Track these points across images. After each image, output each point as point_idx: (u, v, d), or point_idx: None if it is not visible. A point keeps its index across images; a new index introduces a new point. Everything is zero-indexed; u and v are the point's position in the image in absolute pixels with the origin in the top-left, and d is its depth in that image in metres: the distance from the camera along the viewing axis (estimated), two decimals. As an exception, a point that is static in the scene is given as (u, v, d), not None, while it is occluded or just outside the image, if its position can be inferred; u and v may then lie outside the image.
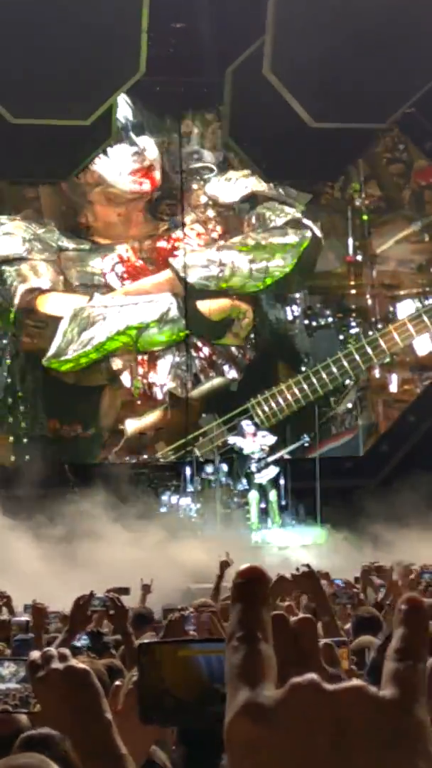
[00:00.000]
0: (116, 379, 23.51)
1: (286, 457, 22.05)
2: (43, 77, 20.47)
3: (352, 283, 24.94)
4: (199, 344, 23.86)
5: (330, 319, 24.67)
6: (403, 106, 22.49)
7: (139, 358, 23.60)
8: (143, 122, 24.00)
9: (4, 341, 23.53)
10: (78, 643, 6.20)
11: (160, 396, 23.53)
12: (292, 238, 23.89)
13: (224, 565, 11.04)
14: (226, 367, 23.91)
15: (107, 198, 24.00)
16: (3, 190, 24.06)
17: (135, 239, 24.06)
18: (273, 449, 21.42)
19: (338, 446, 24.01)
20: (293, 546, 19.19)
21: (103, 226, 24.21)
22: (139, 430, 23.25)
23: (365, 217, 24.80)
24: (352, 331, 24.51)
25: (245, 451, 21.09)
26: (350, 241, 24.94)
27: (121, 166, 23.86)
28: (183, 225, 23.71)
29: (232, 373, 23.89)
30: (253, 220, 24.31)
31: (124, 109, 23.58)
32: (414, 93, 22.25)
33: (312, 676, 0.85)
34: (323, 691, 0.85)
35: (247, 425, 21.54)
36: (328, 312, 24.72)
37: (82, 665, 2.02)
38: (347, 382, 23.72)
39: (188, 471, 21.21)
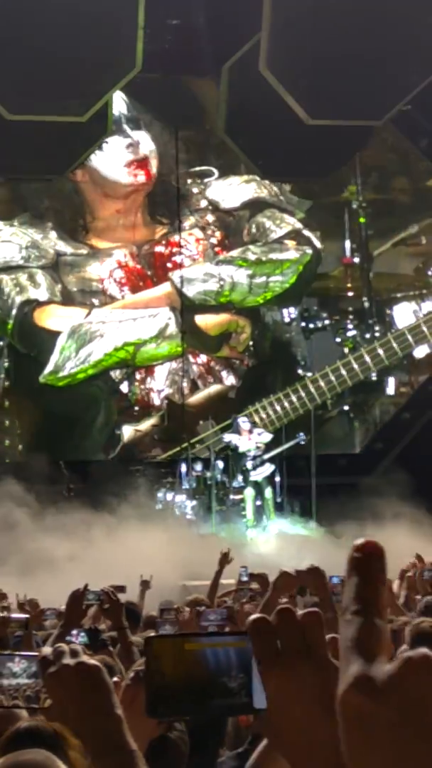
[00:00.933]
0: (116, 390, 23.41)
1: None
2: (39, 74, 20.46)
3: (349, 285, 24.89)
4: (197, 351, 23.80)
5: (327, 322, 24.62)
6: (399, 103, 22.49)
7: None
8: (138, 117, 23.97)
9: (1, 343, 23.46)
10: (76, 641, 6.19)
11: (157, 402, 23.39)
12: (292, 254, 23.79)
13: (224, 560, 11.06)
14: (224, 373, 23.82)
15: (105, 193, 23.97)
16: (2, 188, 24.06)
17: (134, 243, 23.96)
18: (268, 447, 21.44)
19: (334, 443, 24.07)
20: (288, 542, 19.19)
21: (104, 227, 24.11)
22: (136, 437, 23.13)
23: (362, 219, 24.77)
24: (349, 333, 24.46)
25: (241, 449, 21.10)
26: (347, 243, 24.91)
27: (116, 158, 23.82)
28: (180, 229, 23.57)
29: (230, 380, 23.80)
30: (254, 230, 24.20)
31: (118, 103, 23.54)
32: (410, 90, 22.24)
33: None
34: None
35: (242, 422, 21.54)
36: (324, 314, 24.66)
37: (93, 661, 2.02)
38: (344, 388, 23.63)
39: (183, 468, 21.23)
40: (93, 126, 22.10)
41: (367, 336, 24.29)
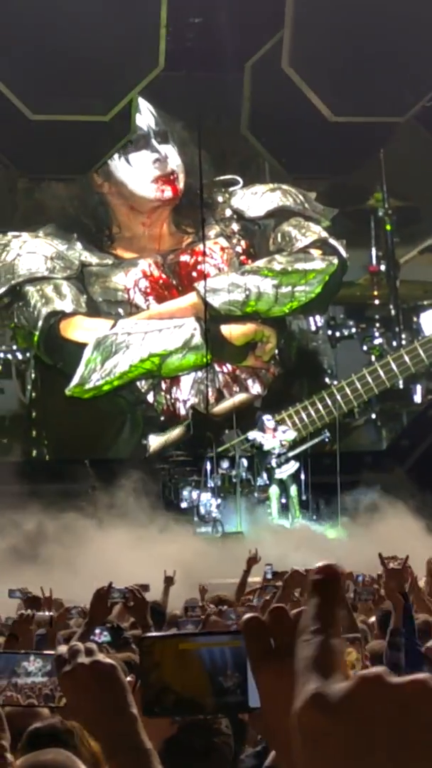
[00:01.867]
0: (142, 401, 23.37)
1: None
2: (62, 73, 20.51)
3: (376, 293, 24.77)
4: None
5: (353, 330, 24.52)
6: (423, 99, 22.43)
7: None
8: (167, 130, 23.90)
9: (27, 354, 23.52)
10: (98, 639, 6.22)
11: (183, 412, 23.28)
12: (318, 264, 23.62)
13: (251, 561, 11.06)
14: (250, 382, 23.70)
15: (131, 207, 23.96)
16: (27, 198, 24.10)
17: (158, 253, 23.91)
18: (293, 445, 21.44)
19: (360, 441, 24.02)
20: (314, 540, 19.17)
21: (129, 236, 24.08)
22: (162, 446, 23.01)
23: (388, 227, 24.66)
24: (376, 341, 24.36)
25: (265, 447, 21.11)
26: (373, 250, 24.82)
27: (143, 173, 23.75)
28: (204, 238, 23.48)
29: (256, 388, 23.66)
30: (279, 239, 24.10)
31: (147, 117, 23.51)
32: (433, 86, 22.20)
33: (379, 670, 0.87)
34: (388, 685, 0.88)
35: (267, 420, 21.54)
36: (351, 322, 24.56)
37: (108, 660, 2.03)
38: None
39: (208, 466, 21.24)
40: (116, 125, 22.14)
41: (394, 344, 24.17)
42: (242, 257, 24.17)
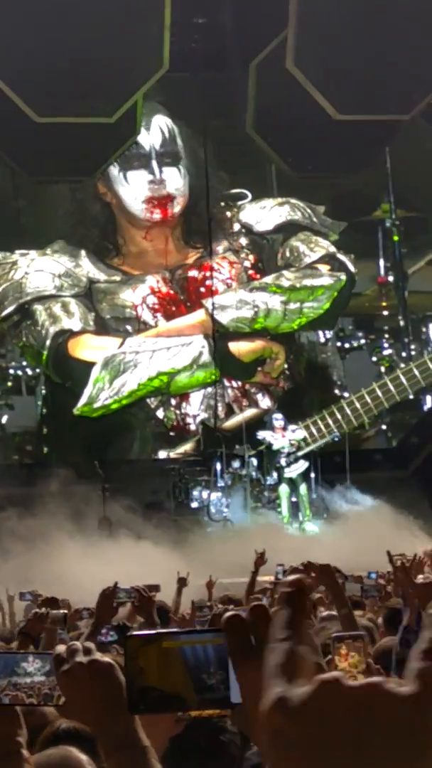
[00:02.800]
0: (152, 417, 23.33)
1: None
2: (67, 76, 20.54)
3: (384, 303, 24.72)
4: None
5: (362, 341, 24.50)
6: (427, 97, 22.42)
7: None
8: (177, 151, 23.92)
9: (37, 370, 23.54)
10: (105, 639, 6.24)
11: (193, 427, 23.22)
12: (326, 280, 23.50)
13: (259, 561, 11.08)
14: (259, 396, 23.61)
15: (128, 220, 24.03)
16: (32, 208, 24.19)
17: (166, 268, 23.88)
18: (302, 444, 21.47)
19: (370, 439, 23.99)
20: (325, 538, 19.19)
21: (136, 251, 24.10)
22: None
23: (396, 238, 24.64)
24: (386, 352, 24.34)
25: (275, 446, 21.13)
26: (381, 261, 24.80)
27: (137, 192, 23.76)
28: (212, 253, 23.45)
29: (266, 402, 23.55)
30: (287, 254, 24.06)
31: (155, 136, 23.56)
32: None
33: (337, 674, 0.93)
34: (345, 688, 0.93)
35: (276, 420, 21.56)
36: (360, 334, 24.54)
37: (106, 659, 2.05)
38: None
39: (218, 466, 21.25)
40: (122, 127, 22.17)
41: (404, 354, 24.15)
42: (250, 272, 24.10)
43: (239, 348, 23.12)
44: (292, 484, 21.01)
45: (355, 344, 24.46)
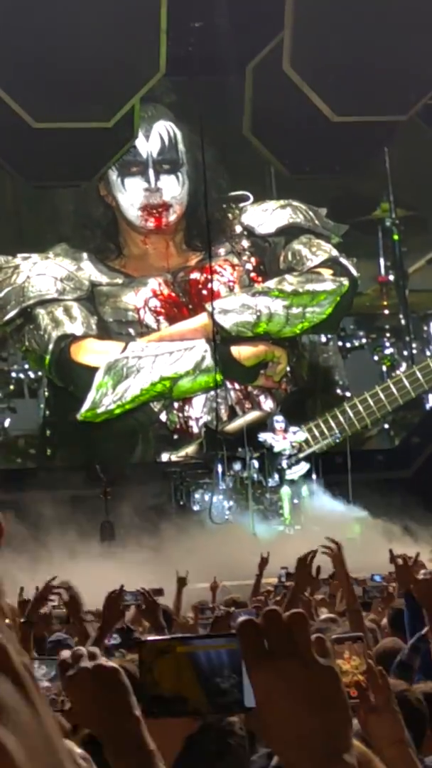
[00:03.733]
0: (155, 420, 23.32)
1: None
2: (64, 80, 20.53)
3: (385, 303, 24.72)
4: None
5: (364, 340, 24.51)
6: (424, 97, 22.42)
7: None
8: (177, 159, 23.94)
9: (39, 373, 23.54)
10: (108, 642, 6.25)
11: (196, 429, 23.19)
12: (329, 285, 23.46)
13: (262, 565, 11.09)
14: (262, 398, 23.61)
15: (127, 224, 24.04)
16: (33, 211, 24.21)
17: (168, 271, 23.89)
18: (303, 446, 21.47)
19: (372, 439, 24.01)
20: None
21: (138, 254, 24.12)
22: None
23: (396, 237, 24.64)
24: (387, 351, 24.35)
25: (276, 449, 21.14)
26: (381, 260, 24.80)
27: (133, 199, 23.83)
28: (212, 256, 23.43)
29: (268, 404, 23.53)
30: (290, 257, 24.07)
31: (154, 143, 23.58)
32: (434, 84, 22.19)
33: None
34: None
35: (277, 422, 21.57)
36: (361, 333, 24.56)
37: (111, 664, 2.06)
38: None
39: (220, 468, 21.27)
40: (119, 131, 22.17)
41: (405, 353, 24.17)
42: (252, 274, 24.12)
43: (241, 352, 23.12)
44: (294, 485, 21.02)
45: (357, 344, 24.48)
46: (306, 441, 21.86)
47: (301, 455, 21.29)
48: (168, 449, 23.08)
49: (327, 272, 23.77)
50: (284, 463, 21.10)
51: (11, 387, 23.72)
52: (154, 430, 23.28)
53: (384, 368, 24.16)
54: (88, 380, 22.51)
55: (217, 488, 21.06)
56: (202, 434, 22.80)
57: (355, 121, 21.85)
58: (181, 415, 23.25)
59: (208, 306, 23.02)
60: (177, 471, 21.78)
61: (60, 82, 20.52)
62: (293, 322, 23.28)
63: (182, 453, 22.84)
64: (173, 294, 23.75)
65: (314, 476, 21.19)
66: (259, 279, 24.02)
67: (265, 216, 24.37)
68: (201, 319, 23.17)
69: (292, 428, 21.65)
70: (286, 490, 20.93)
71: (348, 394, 23.46)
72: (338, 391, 24.02)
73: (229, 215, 24.37)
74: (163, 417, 23.25)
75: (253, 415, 22.98)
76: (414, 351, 24.24)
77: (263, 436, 21.37)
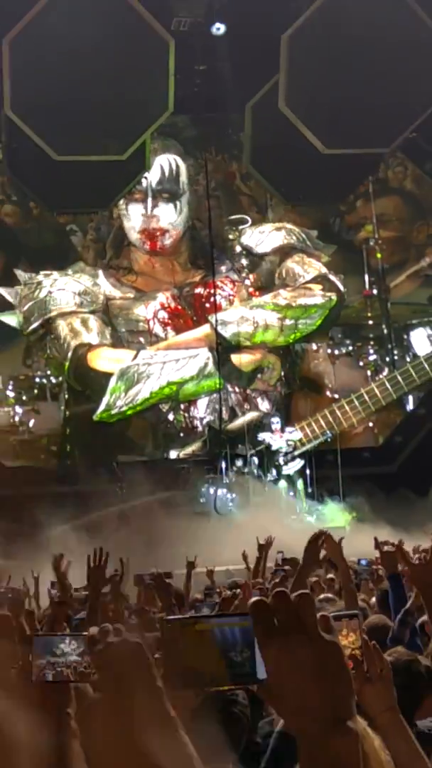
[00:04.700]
0: (163, 420, 23.35)
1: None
2: (83, 119, 20.56)
3: (369, 314, 24.87)
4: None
5: (350, 348, 24.57)
6: (406, 131, 22.44)
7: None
8: (176, 189, 23.96)
9: (60, 378, 23.57)
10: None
11: (200, 428, 23.21)
12: (318, 299, 23.52)
13: (265, 546, 11.06)
14: (259, 400, 23.62)
15: (131, 244, 24.15)
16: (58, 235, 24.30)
17: (175, 286, 23.98)
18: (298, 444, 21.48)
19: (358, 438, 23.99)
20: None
21: (149, 271, 24.24)
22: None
23: (379, 255, 24.78)
24: (371, 358, 24.43)
25: (273, 447, 21.15)
26: (366, 276, 24.90)
27: (134, 222, 23.94)
28: (214, 273, 23.49)
29: (265, 405, 23.51)
30: (284, 274, 24.14)
31: (154, 173, 23.61)
32: (415, 119, 22.19)
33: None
34: None
35: (274, 423, 21.60)
36: (348, 341, 24.63)
37: (135, 639, 2.07)
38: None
39: (223, 464, 21.31)
40: (132, 163, 22.17)
41: (387, 359, 24.29)
42: (251, 289, 24.25)
43: (240, 359, 23.17)
44: (290, 480, 21.03)
45: (344, 351, 24.52)
46: (300, 439, 21.88)
47: (296, 452, 21.29)
48: (175, 447, 23.11)
49: (317, 287, 23.83)
50: (281, 460, 21.11)
51: (35, 391, 23.76)
52: (162, 429, 23.31)
53: (369, 373, 24.19)
54: (103, 384, 22.56)
55: (221, 482, 21.07)
56: (205, 432, 22.86)
57: (343, 153, 21.86)
58: (186, 415, 23.29)
59: (211, 318, 23.07)
60: (185, 466, 21.79)
61: (79, 119, 20.55)
62: (287, 332, 23.35)
63: (188, 450, 22.85)
64: (179, 307, 23.81)
65: (307, 471, 21.20)
66: (257, 293, 24.10)
67: (262, 237, 24.47)
68: (204, 330, 23.22)
69: (288, 428, 21.66)
70: (282, 484, 20.94)
71: (336, 396, 23.50)
72: (327, 393, 24.06)
73: (230, 236, 24.46)
74: (170, 417, 23.28)
75: (251, 415, 23.02)
76: (395, 357, 24.30)
77: (262, 436, 21.39)
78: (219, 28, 22.02)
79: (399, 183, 26.04)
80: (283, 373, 23.91)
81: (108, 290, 23.83)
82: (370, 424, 24.16)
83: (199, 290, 23.94)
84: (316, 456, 21.56)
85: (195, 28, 21.94)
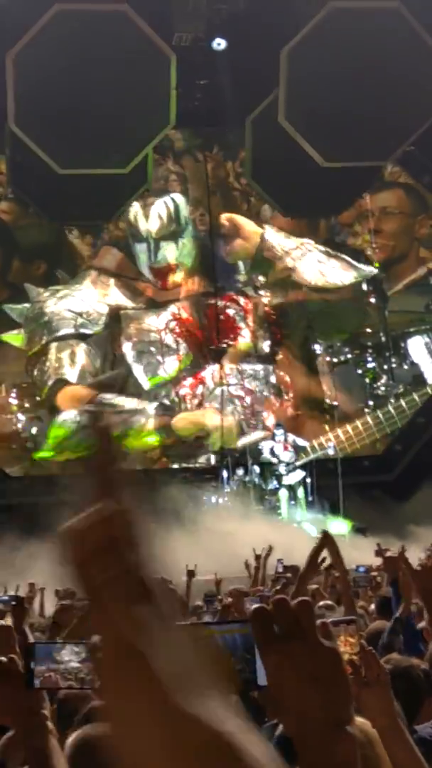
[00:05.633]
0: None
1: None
2: (86, 132, 20.61)
3: (367, 322, 24.94)
4: (242, 394, 23.59)
5: (349, 356, 24.63)
6: (403, 144, 22.48)
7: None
8: (178, 230, 23.99)
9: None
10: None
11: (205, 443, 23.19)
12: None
13: (266, 557, 11.05)
14: (264, 414, 23.59)
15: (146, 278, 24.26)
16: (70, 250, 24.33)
17: (186, 297, 24.03)
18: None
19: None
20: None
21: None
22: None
23: (377, 265, 24.79)
24: (369, 365, 24.48)
25: (280, 458, 21.16)
26: (364, 286, 24.90)
27: (143, 260, 23.98)
28: (218, 292, 23.54)
29: (270, 420, 23.52)
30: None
31: (153, 222, 23.59)
32: (412, 133, 22.23)
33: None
34: None
35: (278, 435, 21.61)
36: (347, 349, 24.69)
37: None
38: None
39: (225, 474, 21.28)
40: (135, 176, 22.23)
41: (385, 367, 24.33)
42: (266, 309, 24.19)
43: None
44: (291, 489, 21.02)
45: (343, 359, 24.56)
46: (304, 450, 21.92)
47: (299, 463, 21.30)
48: (181, 460, 23.07)
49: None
50: (282, 470, 21.11)
51: (37, 399, 23.72)
52: (168, 441, 23.27)
53: (367, 380, 24.21)
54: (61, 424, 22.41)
55: (223, 491, 21.06)
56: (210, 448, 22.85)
57: (341, 166, 21.89)
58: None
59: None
60: (188, 477, 21.78)
61: (83, 134, 20.60)
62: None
63: (193, 462, 22.82)
64: (191, 317, 23.82)
65: (309, 480, 21.19)
66: (271, 311, 24.10)
67: None
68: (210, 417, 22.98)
69: (290, 438, 21.71)
70: (284, 493, 20.93)
71: (335, 403, 23.52)
72: (327, 400, 24.06)
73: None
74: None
75: (258, 435, 22.92)
76: (393, 365, 24.32)
77: (269, 446, 21.44)
78: (219, 44, 22.09)
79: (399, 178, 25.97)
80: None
81: (119, 300, 23.81)
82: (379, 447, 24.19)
83: (212, 301, 23.94)
84: (317, 464, 21.54)
85: (196, 43, 22.01)
